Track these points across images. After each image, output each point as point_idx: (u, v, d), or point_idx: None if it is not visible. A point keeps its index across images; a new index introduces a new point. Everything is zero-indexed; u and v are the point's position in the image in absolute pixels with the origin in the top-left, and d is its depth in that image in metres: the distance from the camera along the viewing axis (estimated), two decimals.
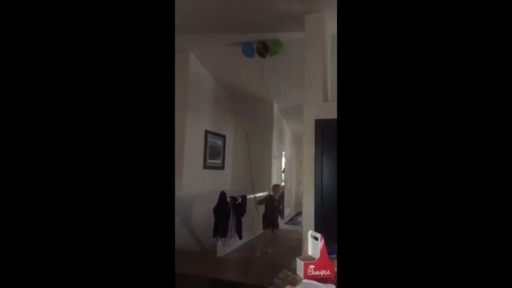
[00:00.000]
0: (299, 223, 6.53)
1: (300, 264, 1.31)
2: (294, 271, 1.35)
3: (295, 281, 1.27)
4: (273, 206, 4.49)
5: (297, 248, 3.80)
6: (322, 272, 1.29)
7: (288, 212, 8.17)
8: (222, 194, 4.40)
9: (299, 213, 8.16)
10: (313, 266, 1.29)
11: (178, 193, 4.29)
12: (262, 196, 5.03)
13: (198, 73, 4.99)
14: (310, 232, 1.42)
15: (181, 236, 4.31)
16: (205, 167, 5.26)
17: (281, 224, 6.99)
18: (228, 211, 4.42)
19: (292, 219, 7.95)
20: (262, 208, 4.56)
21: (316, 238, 1.35)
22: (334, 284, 1.22)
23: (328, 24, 3.51)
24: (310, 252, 1.42)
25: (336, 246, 1.72)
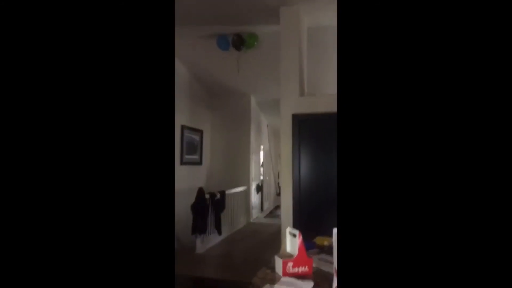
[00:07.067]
0: (277, 216, 6.58)
1: (279, 261, 1.30)
2: (273, 268, 1.34)
3: (274, 279, 1.26)
4: None
5: (276, 241, 3.84)
6: (301, 269, 1.28)
7: (267, 205, 8.26)
8: (200, 191, 4.35)
9: (277, 207, 8.23)
10: (292, 264, 1.28)
11: None
12: None
13: None
14: (288, 229, 1.42)
15: None
16: (182, 163, 5.17)
17: (260, 217, 7.06)
18: (207, 207, 4.39)
19: (271, 212, 8.04)
20: None
21: (294, 235, 1.34)
22: (312, 280, 1.22)
23: (304, 18, 3.50)
24: (288, 249, 1.41)
25: (314, 241, 1.75)
